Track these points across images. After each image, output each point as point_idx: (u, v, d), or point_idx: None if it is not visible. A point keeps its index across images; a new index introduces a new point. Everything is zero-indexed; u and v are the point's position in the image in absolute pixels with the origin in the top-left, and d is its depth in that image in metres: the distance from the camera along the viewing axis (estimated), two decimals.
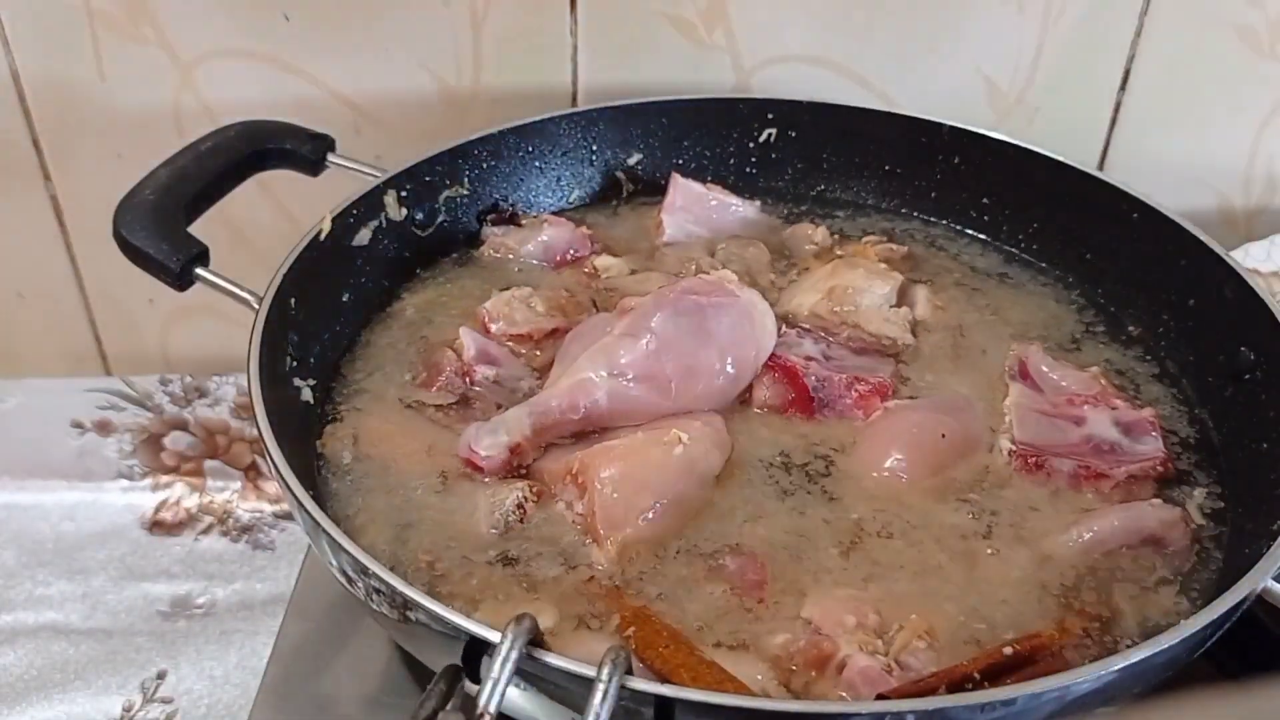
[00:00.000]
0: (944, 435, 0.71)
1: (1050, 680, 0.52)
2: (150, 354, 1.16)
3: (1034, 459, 0.70)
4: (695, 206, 0.91)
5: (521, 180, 0.93)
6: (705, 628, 0.60)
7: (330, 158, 0.86)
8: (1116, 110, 0.97)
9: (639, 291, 0.80)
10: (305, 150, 0.86)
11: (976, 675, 0.56)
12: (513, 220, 0.89)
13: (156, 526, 1.12)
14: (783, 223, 0.92)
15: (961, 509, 0.67)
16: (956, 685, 0.55)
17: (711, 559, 0.64)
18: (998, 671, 0.57)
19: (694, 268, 0.84)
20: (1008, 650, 0.58)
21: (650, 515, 0.65)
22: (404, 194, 0.85)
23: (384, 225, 0.84)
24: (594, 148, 0.95)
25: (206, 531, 1.12)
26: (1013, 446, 0.71)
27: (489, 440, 0.69)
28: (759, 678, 0.57)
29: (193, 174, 0.81)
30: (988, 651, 0.58)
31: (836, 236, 0.90)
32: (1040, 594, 0.63)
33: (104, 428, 1.13)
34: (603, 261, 0.86)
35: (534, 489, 0.67)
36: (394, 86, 1.00)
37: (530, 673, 0.53)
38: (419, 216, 0.87)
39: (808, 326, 0.79)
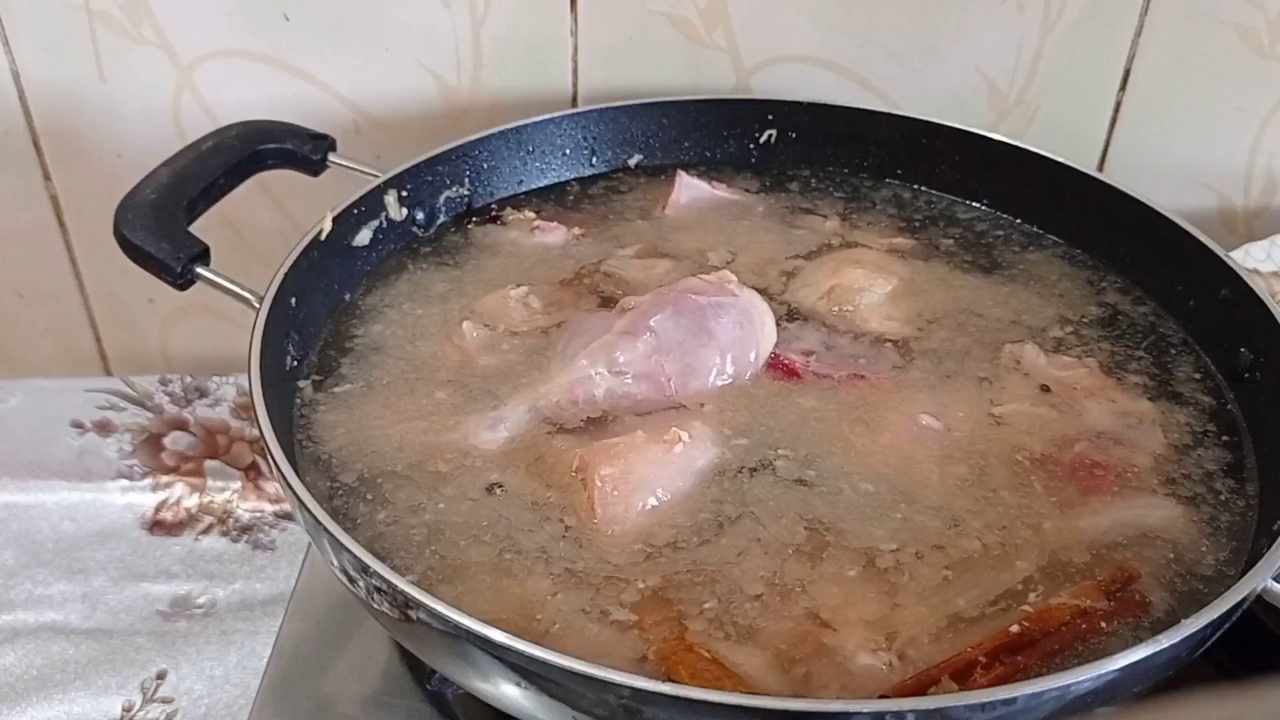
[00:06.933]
0: (948, 429, 0.71)
1: (1050, 680, 0.52)
2: (150, 354, 1.16)
3: (1032, 454, 0.70)
4: (700, 203, 0.91)
5: (522, 181, 0.93)
6: (703, 621, 0.60)
7: (330, 158, 0.87)
8: (1116, 110, 0.97)
9: (640, 283, 0.81)
10: (305, 150, 0.86)
11: (982, 659, 0.56)
12: (496, 219, 0.89)
13: (156, 526, 1.12)
14: (790, 215, 0.92)
15: (964, 501, 0.67)
16: (961, 673, 0.56)
17: (710, 554, 0.64)
18: (1009, 652, 0.57)
19: (696, 265, 0.84)
20: (1014, 628, 0.58)
21: (649, 512, 0.65)
22: (404, 194, 0.85)
23: (384, 225, 0.85)
24: (594, 148, 0.95)
25: (206, 531, 1.12)
26: (1013, 440, 0.71)
27: (488, 434, 0.70)
28: (758, 670, 0.57)
29: (193, 174, 0.81)
30: (993, 635, 0.58)
31: (848, 225, 0.91)
32: (1044, 589, 0.63)
33: (104, 428, 1.13)
34: (606, 249, 0.86)
35: (533, 484, 0.67)
36: (394, 86, 1.00)
37: (530, 671, 0.53)
38: (419, 216, 0.87)
39: (808, 318, 0.80)
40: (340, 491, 0.68)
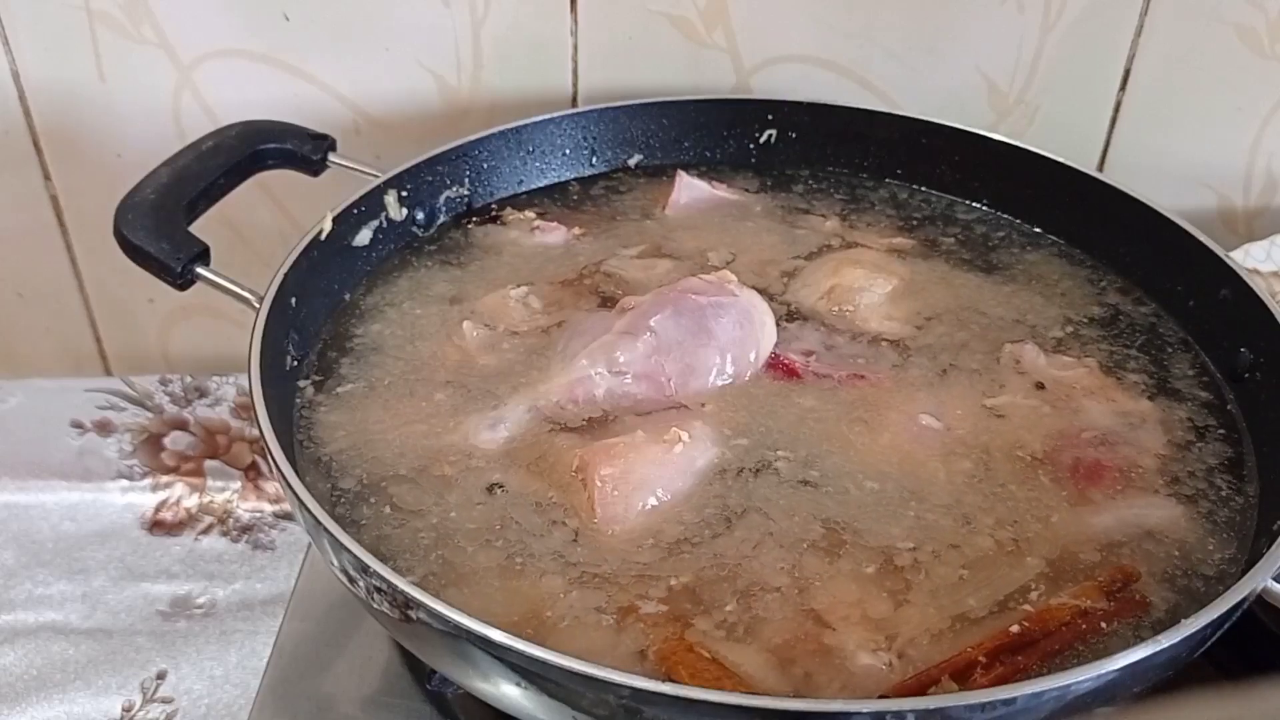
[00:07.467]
0: (948, 428, 0.71)
1: (1050, 680, 0.52)
2: (150, 354, 1.16)
3: (1033, 453, 0.70)
4: (700, 203, 0.91)
5: (522, 181, 0.93)
6: (703, 619, 0.60)
7: (330, 158, 0.87)
8: (1116, 110, 0.97)
9: (640, 283, 0.81)
10: (305, 150, 0.86)
11: (982, 659, 0.56)
12: (496, 219, 0.90)
13: (156, 526, 1.12)
14: (790, 215, 0.92)
15: (973, 497, 0.67)
16: (961, 673, 0.56)
17: (711, 551, 0.64)
18: (1009, 652, 0.57)
19: (696, 265, 0.84)
20: (1014, 629, 0.58)
21: (650, 512, 0.65)
22: (404, 194, 0.85)
23: (384, 225, 0.85)
24: (594, 148, 0.95)
25: (206, 531, 1.12)
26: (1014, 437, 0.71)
27: (488, 434, 0.70)
28: (758, 670, 0.57)
29: (193, 174, 0.81)
30: (993, 635, 0.58)
31: (847, 225, 0.91)
32: (1045, 588, 0.63)
33: (104, 428, 1.13)
34: (606, 249, 0.86)
35: (533, 484, 0.67)
36: (394, 86, 1.00)
37: (530, 671, 0.53)
38: (419, 216, 0.87)
39: (808, 318, 0.80)
40: (343, 497, 0.67)
